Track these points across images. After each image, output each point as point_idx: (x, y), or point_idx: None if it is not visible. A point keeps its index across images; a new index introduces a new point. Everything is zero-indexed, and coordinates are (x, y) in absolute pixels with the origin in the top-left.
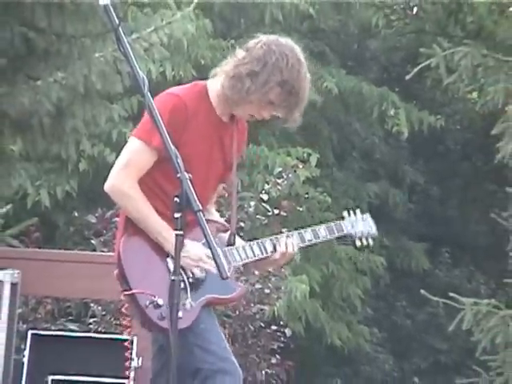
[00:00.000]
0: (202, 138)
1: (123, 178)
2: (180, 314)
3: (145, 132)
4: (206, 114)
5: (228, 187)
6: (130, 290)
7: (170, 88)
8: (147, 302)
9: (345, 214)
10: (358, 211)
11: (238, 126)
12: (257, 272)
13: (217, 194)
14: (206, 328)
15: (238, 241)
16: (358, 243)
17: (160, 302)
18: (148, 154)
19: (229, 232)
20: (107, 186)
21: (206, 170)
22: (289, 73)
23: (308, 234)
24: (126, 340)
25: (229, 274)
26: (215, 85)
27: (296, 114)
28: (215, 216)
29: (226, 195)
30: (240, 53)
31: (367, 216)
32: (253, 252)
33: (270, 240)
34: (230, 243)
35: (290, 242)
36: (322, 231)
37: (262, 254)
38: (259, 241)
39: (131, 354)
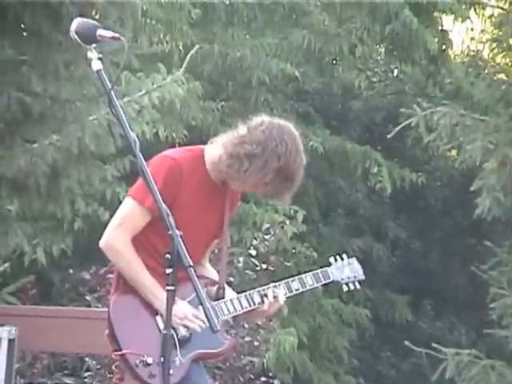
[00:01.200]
0: (195, 200)
1: (117, 236)
2: (170, 371)
3: (139, 192)
4: (200, 178)
5: (218, 243)
6: (120, 349)
7: (163, 148)
8: (137, 362)
9: (331, 259)
10: (344, 256)
11: (232, 188)
12: (246, 325)
13: (210, 249)
14: (196, 381)
15: (230, 293)
16: (346, 288)
17: (149, 360)
18: (141, 213)
19: (217, 286)
20: (102, 243)
21: (199, 230)
22: (286, 160)
23: (295, 284)
24: None
25: (218, 329)
26: (212, 152)
27: (287, 196)
28: (209, 270)
29: (216, 251)
30: (241, 130)
31: (353, 260)
32: (241, 305)
33: (258, 292)
34: (218, 297)
35: (277, 293)
36: (309, 279)
37: (250, 305)
38: (247, 293)
39: None
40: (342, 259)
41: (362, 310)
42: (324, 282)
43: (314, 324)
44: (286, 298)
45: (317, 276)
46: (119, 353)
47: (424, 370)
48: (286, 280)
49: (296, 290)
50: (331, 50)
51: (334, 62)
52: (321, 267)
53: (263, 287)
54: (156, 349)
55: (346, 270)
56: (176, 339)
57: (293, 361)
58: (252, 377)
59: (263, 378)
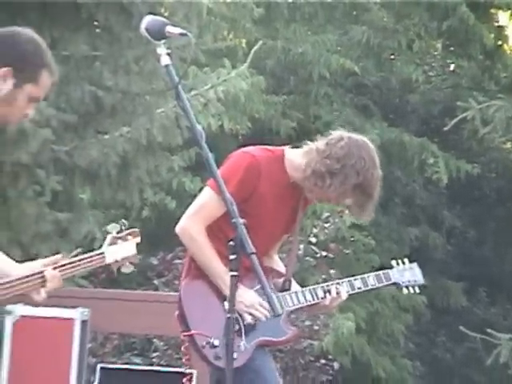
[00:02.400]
0: (271, 198)
1: (192, 223)
2: (235, 355)
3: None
4: (278, 178)
5: (289, 238)
6: (189, 331)
7: (228, 140)
8: (204, 343)
9: (393, 262)
10: (406, 260)
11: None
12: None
13: (280, 242)
14: (261, 364)
15: (295, 286)
16: (405, 291)
17: (216, 342)
18: (218, 203)
19: (283, 278)
20: (178, 228)
21: (273, 225)
22: (364, 176)
23: (357, 282)
24: (186, 374)
25: (280, 313)
26: (293, 159)
27: (368, 210)
28: (276, 262)
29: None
30: (321, 145)
31: (414, 265)
32: (305, 298)
33: (321, 287)
34: (284, 289)
35: (340, 290)
36: (371, 279)
37: (313, 300)
38: (311, 287)
39: None
40: (404, 263)
41: (419, 296)
42: (385, 284)
43: (371, 309)
44: (348, 295)
45: (379, 277)
46: (187, 333)
47: (478, 354)
48: (349, 278)
49: (358, 288)
50: (390, 45)
51: (393, 56)
52: (378, 259)
53: (327, 283)
54: (223, 332)
55: (407, 274)
56: (242, 326)
57: (351, 344)
58: (312, 359)
59: (323, 361)
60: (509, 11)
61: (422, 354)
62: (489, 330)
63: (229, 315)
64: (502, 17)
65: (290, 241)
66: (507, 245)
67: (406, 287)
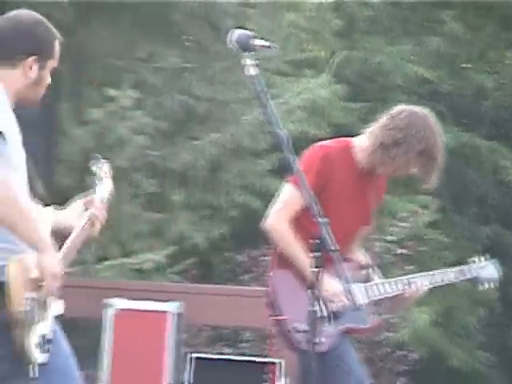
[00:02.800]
0: (347, 189)
1: (278, 219)
2: (322, 339)
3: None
4: (350, 168)
5: (368, 230)
6: (279, 316)
7: (309, 145)
8: (290, 327)
9: (472, 259)
10: (484, 257)
11: (379, 176)
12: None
13: (361, 236)
14: (345, 351)
15: (377, 277)
16: (481, 288)
17: (303, 327)
18: (299, 197)
19: (366, 270)
20: (266, 225)
21: (351, 217)
22: (426, 143)
23: (437, 277)
24: (274, 362)
25: (362, 303)
26: (360, 143)
27: (433, 176)
28: (358, 255)
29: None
30: (384, 119)
31: (493, 262)
32: (386, 289)
33: (401, 280)
34: (368, 280)
35: (419, 283)
36: (451, 274)
37: (394, 291)
38: (393, 280)
39: (279, 374)
40: (482, 260)
41: (492, 291)
42: (463, 279)
43: (446, 303)
44: (428, 289)
45: (457, 272)
46: (276, 318)
47: None
48: (428, 272)
49: (437, 282)
50: (462, 54)
51: (465, 65)
52: (453, 256)
53: (407, 276)
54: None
55: (484, 271)
56: (328, 313)
57: (427, 336)
58: (389, 350)
59: (400, 352)
60: None
61: (494, 346)
62: None
63: (310, 309)
64: None
65: (369, 234)
66: None
67: (482, 283)
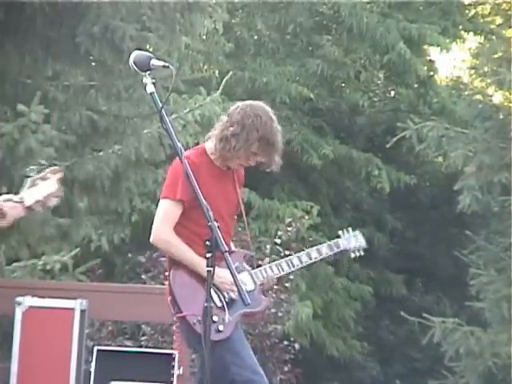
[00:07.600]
0: (211, 182)
1: (161, 230)
2: (221, 327)
3: (167, 191)
4: (208, 167)
5: (240, 214)
6: (181, 312)
7: None
8: (194, 321)
9: (340, 232)
10: (349, 229)
11: (237, 171)
12: (272, 299)
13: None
14: (240, 346)
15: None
16: (352, 255)
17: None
18: (175, 206)
19: (250, 258)
20: (152, 239)
21: (222, 202)
22: (263, 129)
23: (314, 252)
24: (170, 354)
25: (251, 288)
26: (210, 145)
27: (276, 158)
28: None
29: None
30: (223, 118)
31: (357, 232)
32: (272, 270)
33: (286, 261)
34: (254, 266)
35: (299, 261)
36: (324, 249)
37: (280, 272)
38: (277, 262)
39: (174, 364)
40: (348, 232)
41: (366, 286)
42: (336, 251)
43: (326, 298)
44: (307, 264)
45: (330, 246)
46: (180, 314)
47: (416, 335)
48: (306, 250)
49: (315, 258)
50: (340, 75)
51: (343, 85)
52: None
53: (290, 257)
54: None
55: (353, 241)
56: (224, 302)
57: (309, 328)
58: (276, 341)
59: (285, 342)
60: (438, 47)
61: (368, 336)
62: (424, 315)
63: (206, 304)
64: (433, 52)
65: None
66: (440, 243)
67: (353, 252)
